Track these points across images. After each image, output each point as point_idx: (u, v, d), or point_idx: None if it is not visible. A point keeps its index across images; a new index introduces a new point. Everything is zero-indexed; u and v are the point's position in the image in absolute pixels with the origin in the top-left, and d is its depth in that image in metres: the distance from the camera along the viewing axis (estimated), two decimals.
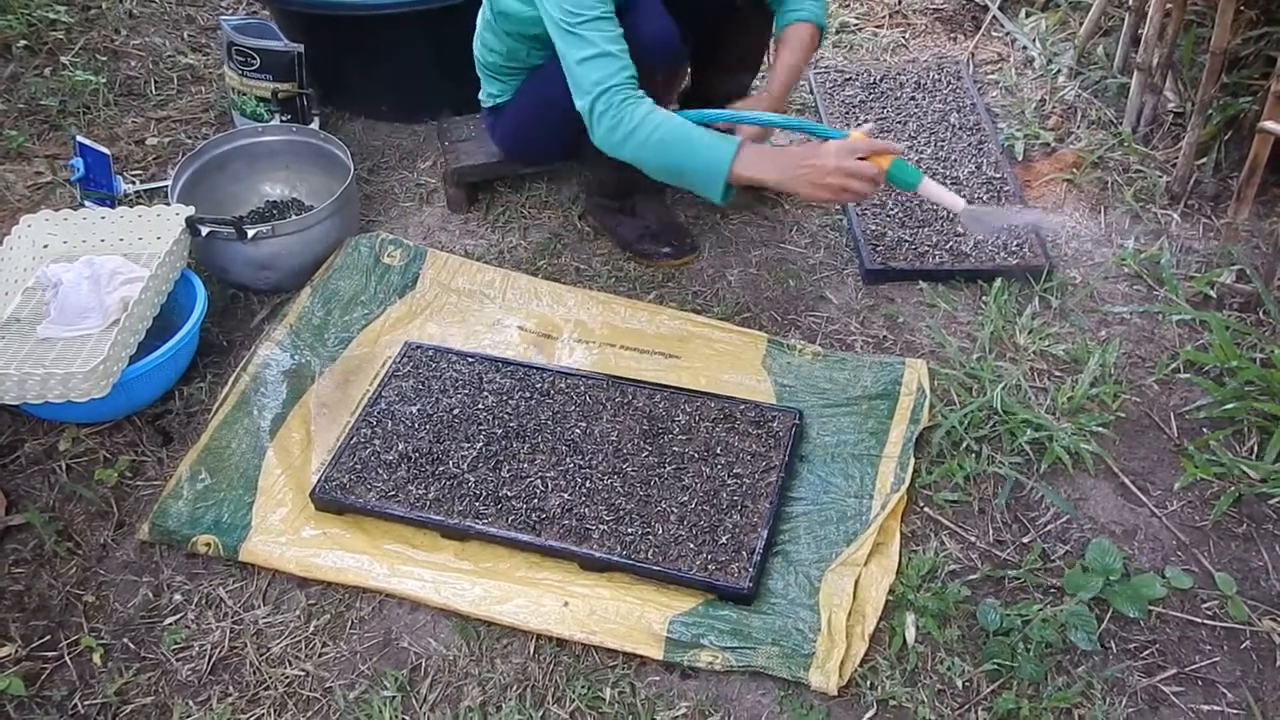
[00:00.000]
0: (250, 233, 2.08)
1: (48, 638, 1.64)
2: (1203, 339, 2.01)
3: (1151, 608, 1.60)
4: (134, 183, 2.50)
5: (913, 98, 2.66)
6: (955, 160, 2.45)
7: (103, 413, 1.90)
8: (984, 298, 2.12)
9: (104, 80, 2.87)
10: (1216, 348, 1.92)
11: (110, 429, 1.94)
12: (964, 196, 2.12)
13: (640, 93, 1.81)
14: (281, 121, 2.49)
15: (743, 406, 1.85)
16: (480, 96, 2.24)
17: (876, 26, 3.02)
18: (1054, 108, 2.66)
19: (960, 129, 2.55)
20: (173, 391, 2.00)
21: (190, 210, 2.08)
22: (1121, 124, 2.55)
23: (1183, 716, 1.48)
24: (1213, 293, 2.10)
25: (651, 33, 1.88)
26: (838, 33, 2.99)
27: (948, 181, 2.38)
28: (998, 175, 2.40)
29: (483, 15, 2.12)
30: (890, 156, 1.77)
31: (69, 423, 1.93)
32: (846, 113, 2.62)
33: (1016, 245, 2.21)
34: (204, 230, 2.07)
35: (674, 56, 1.96)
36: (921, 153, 2.48)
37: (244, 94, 2.53)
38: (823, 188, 1.76)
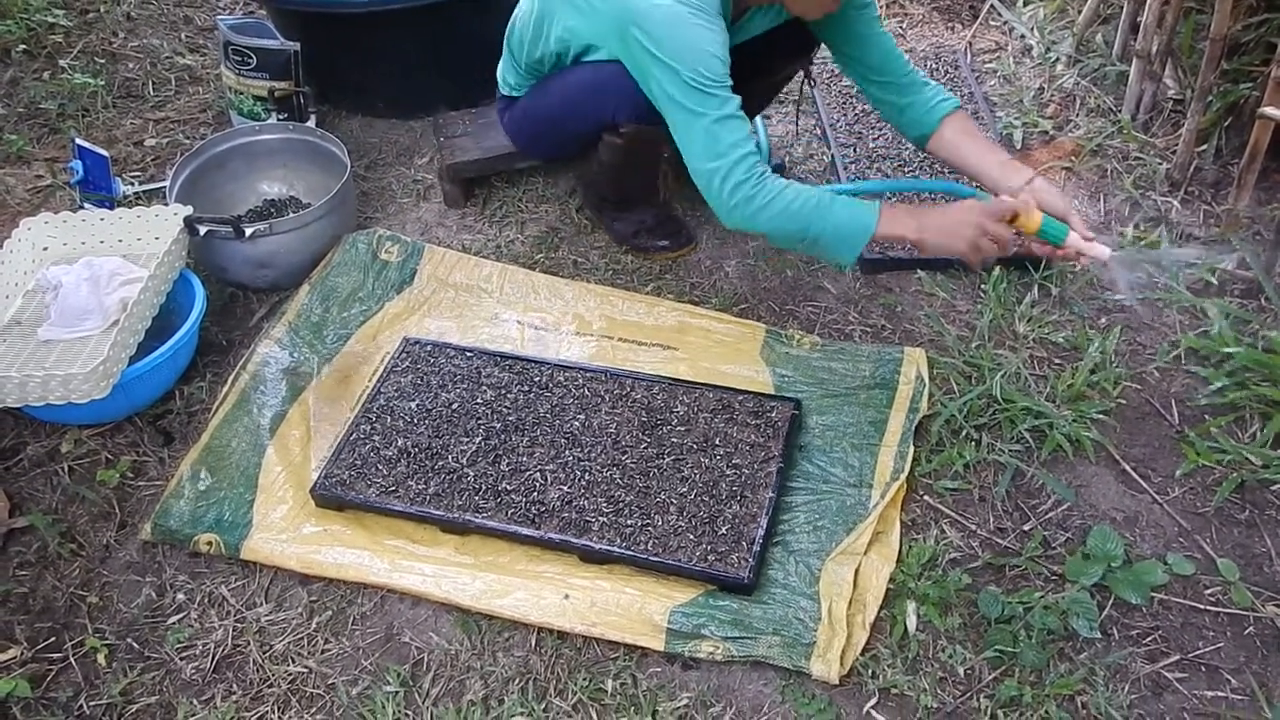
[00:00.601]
0: (248, 231, 2.08)
1: (52, 639, 1.65)
2: (1203, 326, 2.00)
3: (1154, 594, 1.59)
4: (133, 184, 2.50)
5: None
6: None
7: (104, 414, 1.91)
8: (982, 286, 2.12)
9: (102, 83, 2.88)
10: (1217, 334, 1.91)
11: (112, 430, 1.94)
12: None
13: (764, 169, 1.76)
14: (278, 120, 2.49)
15: (741, 397, 1.85)
16: (499, 78, 2.17)
17: None
18: (1052, 96, 2.65)
19: None
20: (173, 391, 2.00)
21: (188, 210, 2.08)
22: (1121, 111, 2.54)
23: (1186, 703, 1.48)
24: (1213, 279, 2.09)
25: None
26: None
27: (946, 173, 2.38)
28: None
29: (531, 9, 1.98)
30: (1039, 215, 1.78)
31: (71, 424, 1.93)
32: (844, 102, 2.62)
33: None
34: (202, 230, 2.07)
35: None
36: None
37: (241, 93, 2.54)
38: (960, 240, 1.78)
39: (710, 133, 1.72)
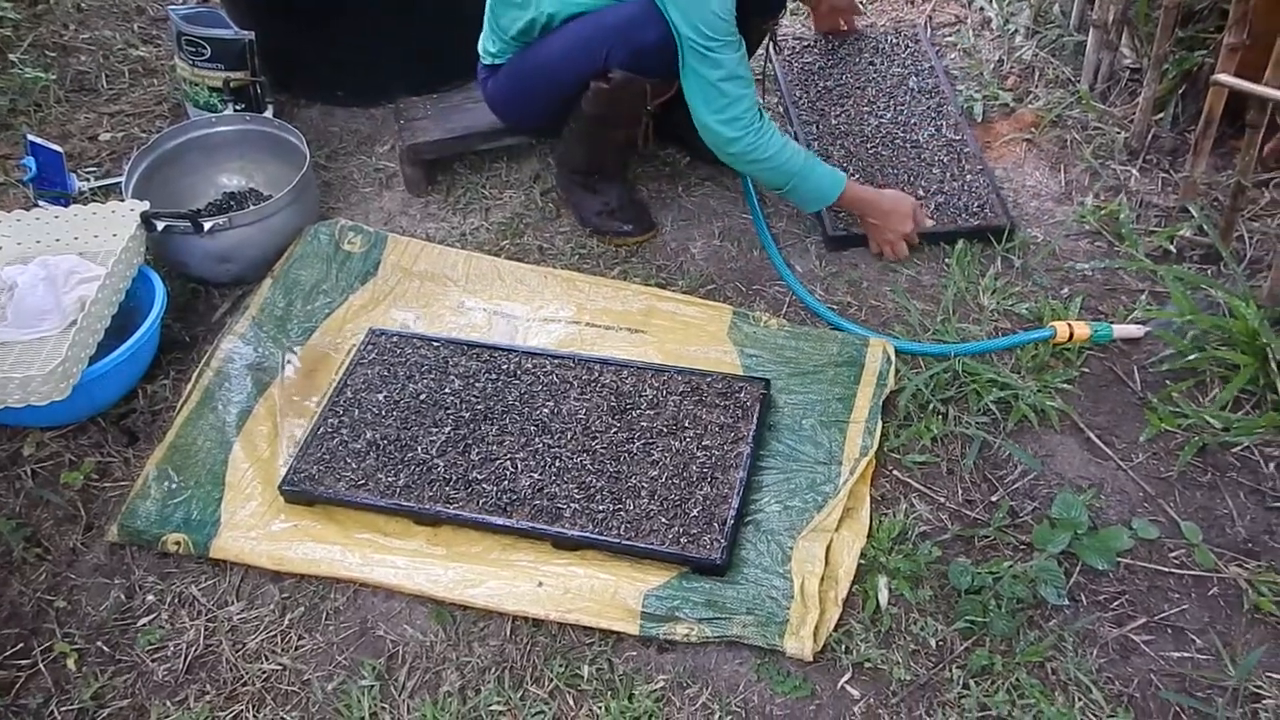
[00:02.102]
0: (207, 225, 2.05)
1: (20, 646, 1.63)
2: (1163, 291, 2.02)
3: (1120, 559, 1.62)
4: (88, 180, 2.46)
5: (871, 63, 2.65)
6: (915, 124, 2.44)
7: (65, 415, 1.88)
8: (946, 260, 2.13)
9: (54, 77, 2.82)
10: (1175, 301, 1.93)
11: (74, 431, 1.91)
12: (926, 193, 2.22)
13: (765, 119, 1.98)
14: (235, 111, 2.45)
15: (709, 379, 1.85)
16: (480, 49, 2.18)
17: None
18: (1012, 68, 2.66)
19: (919, 92, 2.54)
20: (136, 390, 1.98)
21: (145, 205, 2.05)
22: (1079, 82, 2.55)
23: (1153, 664, 1.50)
24: (1172, 247, 2.12)
25: (661, 44, 1.89)
26: None
27: (907, 145, 2.38)
28: (957, 137, 2.40)
29: None
30: (1086, 330, 1.94)
31: (32, 427, 1.91)
32: (806, 80, 2.61)
33: (978, 206, 2.21)
34: (160, 225, 2.04)
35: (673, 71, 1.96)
36: (881, 117, 2.47)
37: (196, 84, 2.50)
38: (898, 220, 2.10)
39: (718, 89, 1.90)
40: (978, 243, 2.15)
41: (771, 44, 2.41)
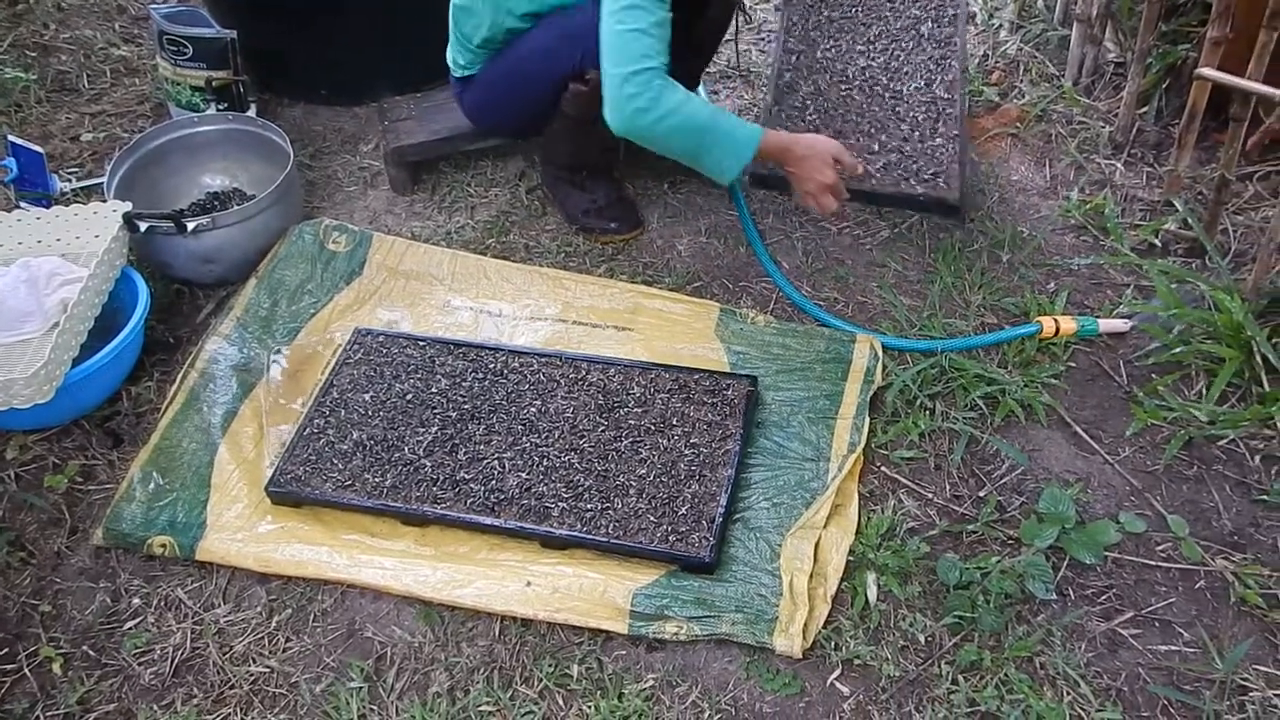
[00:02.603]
0: (190, 225, 2.04)
1: (5, 650, 1.61)
2: (1148, 285, 2.03)
3: (1107, 553, 1.62)
4: (70, 180, 2.44)
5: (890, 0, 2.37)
6: (907, 73, 2.22)
7: (48, 418, 1.87)
8: (932, 255, 2.13)
9: (34, 77, 2.80)
10: (1160, 295, 1.94)
11: (58, 434, 1.90)
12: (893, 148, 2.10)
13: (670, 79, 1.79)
14: (218, 110, 2.44)
15: (697, 376, 1.85)
16: (449, 62, 2.19)
17: None
18: (997, 62, 2.67)
19: (928, 40, 2.28)
20: (120, 392, 1.96)
21: (127, 206, 2.04)
22: (1063, 77, 2.56)
23: (1141, 658, 1.51)
24: (1157, 241, 2.12)
25: None
26: None
27: (886, 95, 2.21)
28: (946, 96, 2.17)
29: None
30: (1073, 324, 1.93)
31: (14, 430, 1.89)
32: (810, 4, 2.37)
33: (931, 174, 2.06)
34: (143, 225, 2.03)
35: None
36: (873, 60, 2.26)
37: (178, 84, 2.48)
38: (814, 165, 1.87)
39: (618, 42, 1.76)
40: (925, 221, 2.13)
41: (740, 13, 2.33)
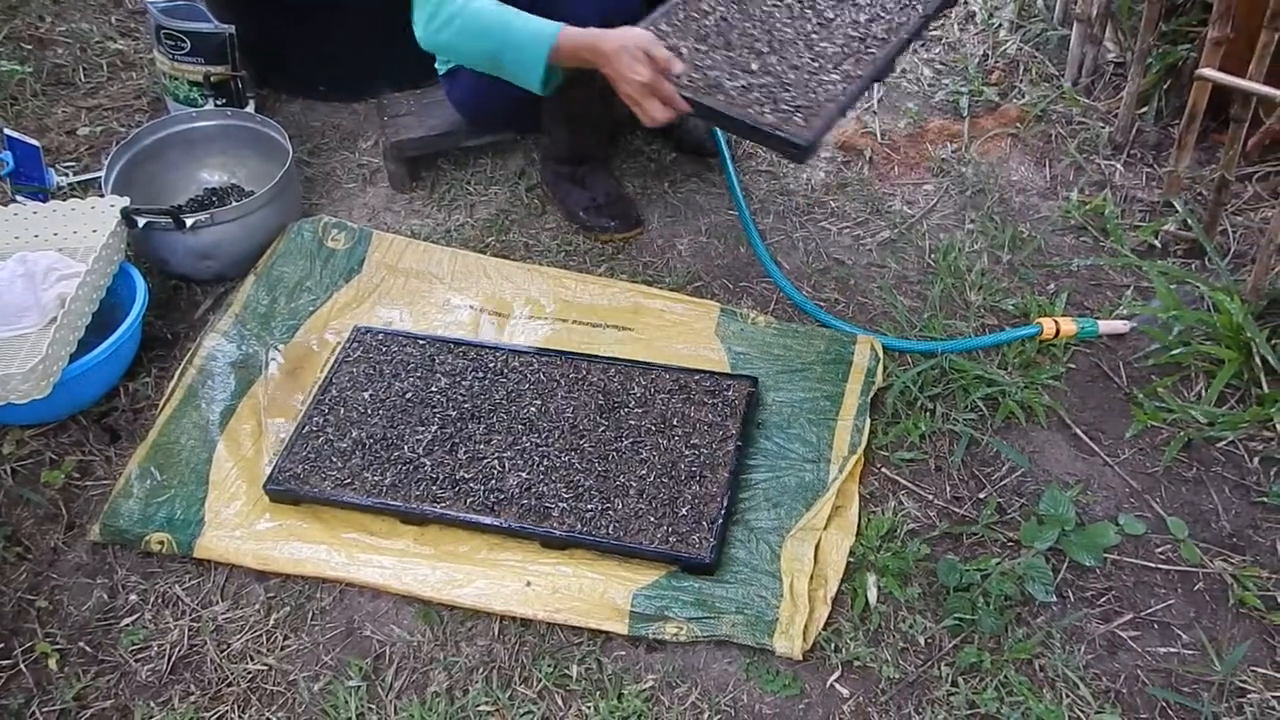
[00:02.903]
0: (189, 221, 2.03)
1: (1, 646, 1.61)
2: (1148, 286, 2.03)
3: (1106, 555, 1.62)
4: (67, 175, 2.43)
5: None
6: (858, 3, 1.93)
7: (45, 413, 1.86)
8: (932, 255, 2.13)
9: (30, 70, 2.78)
10: (1160, 296, 1.94)
11: (55, 429, 1.89)
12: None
13: None
14: (216, 106, 2.43)
15: (697, 376, 1.84)
16: (436, 64, 2.19)
17: None
18: (996, 62, 2.67)
19: None
20: (117, 388, 1.95)
21: (125, 201, 2.03)
22: (1063, 77, 2.56)
23: (1140, 660, 1.51)
24: (1157, 241, 2.12)
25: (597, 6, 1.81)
26: None
27: (811, 18, 1.89)
28: (881, 37, 1.85)
29: None
30: (1073, 325, 1.92)
31: (11, 425, 1.88)
32: None
33: (791, 108, 1.68)
34: (141, 221, 2.02)
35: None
36: None
37: (176, 79, 2.47)
38: (625, 61, 1.65)
39: None
40: (925, 222, 2.12)
41: None
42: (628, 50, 1.63)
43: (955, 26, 2.79)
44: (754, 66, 1.75)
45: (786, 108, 1.68)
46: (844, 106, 1.71)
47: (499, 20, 1.71)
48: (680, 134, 2.38)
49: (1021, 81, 2.59)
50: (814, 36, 1.85)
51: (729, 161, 2.29)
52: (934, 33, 2.80)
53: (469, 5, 1.72)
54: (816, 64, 1.78)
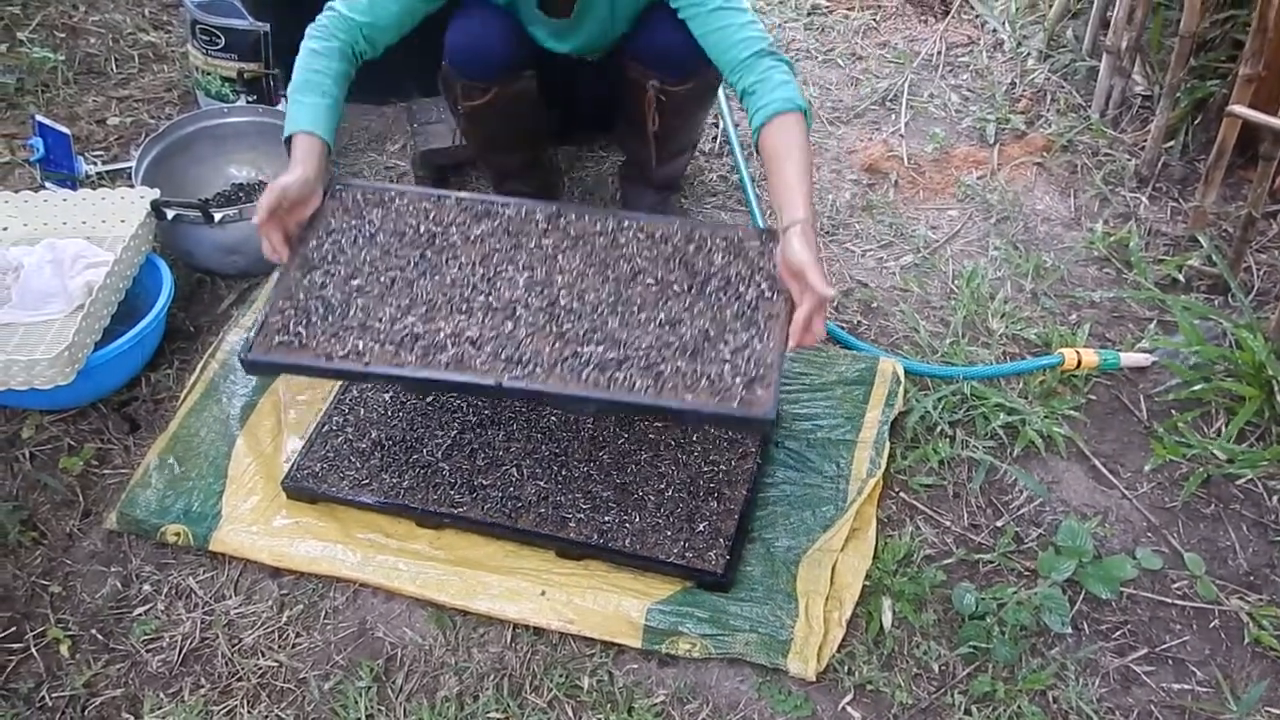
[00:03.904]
0: (217, 216, 2.04)
1: (13, 629, 1.61)
2: (1171, 321, 2.03)
3: (1123, 589, 1.62)
4: (95, 164, 2.44)
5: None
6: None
7: (67, 400, 1.87)
8: (955, 282, 2.13)
9: (62, 58, 2.80)
10: (1183, 331, 1.94)
11: (75, 416, 1.90)
12: None
13: (333, 39, 1.74)
14: (247, 102, 2.44)
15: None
16: None
17: (848, 9, 3.01)
18: (1024, 91, 2.67)
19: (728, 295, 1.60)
20: (139, 378, 1.96)
21: (155, 193, 2.04)
22: (1090, 108, 2.56)
23: (1154, 696, 1.50)
24: (1181, 276, 2.12)
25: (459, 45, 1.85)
26: (809, 15, 2.98)
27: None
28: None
29: None
30: (1096, 356, 1.91)
31: (32, 410, 1.89)
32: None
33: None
34: (169, 214, 2.03)
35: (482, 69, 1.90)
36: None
37: (208, 73, 2.48)
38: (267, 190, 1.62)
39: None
40: (949, 247, 2.13)
41: None
42: (271, 187, 1.59)
43: (984, 54, 2.80)
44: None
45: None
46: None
47: (297, 81, 1.72)
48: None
49: (1049, 111, 2.59)
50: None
51: (747, 181, 2.30)
52: (962, 59, 2.80)
53: (307, 45, 1.74)
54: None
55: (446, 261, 1.60)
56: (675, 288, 1.56)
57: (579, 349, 1.47)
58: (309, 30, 1.75)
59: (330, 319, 1.53)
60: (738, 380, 1.43)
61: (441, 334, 1.50)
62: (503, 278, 1.57)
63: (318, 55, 1.71)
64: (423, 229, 1.66)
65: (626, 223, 1.66)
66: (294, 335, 1.51)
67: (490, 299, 1.54)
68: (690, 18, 1.71)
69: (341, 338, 1.51)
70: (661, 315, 1.52)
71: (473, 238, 1.64)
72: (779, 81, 1.62)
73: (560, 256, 1.60)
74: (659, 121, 1.98)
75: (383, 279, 1.58)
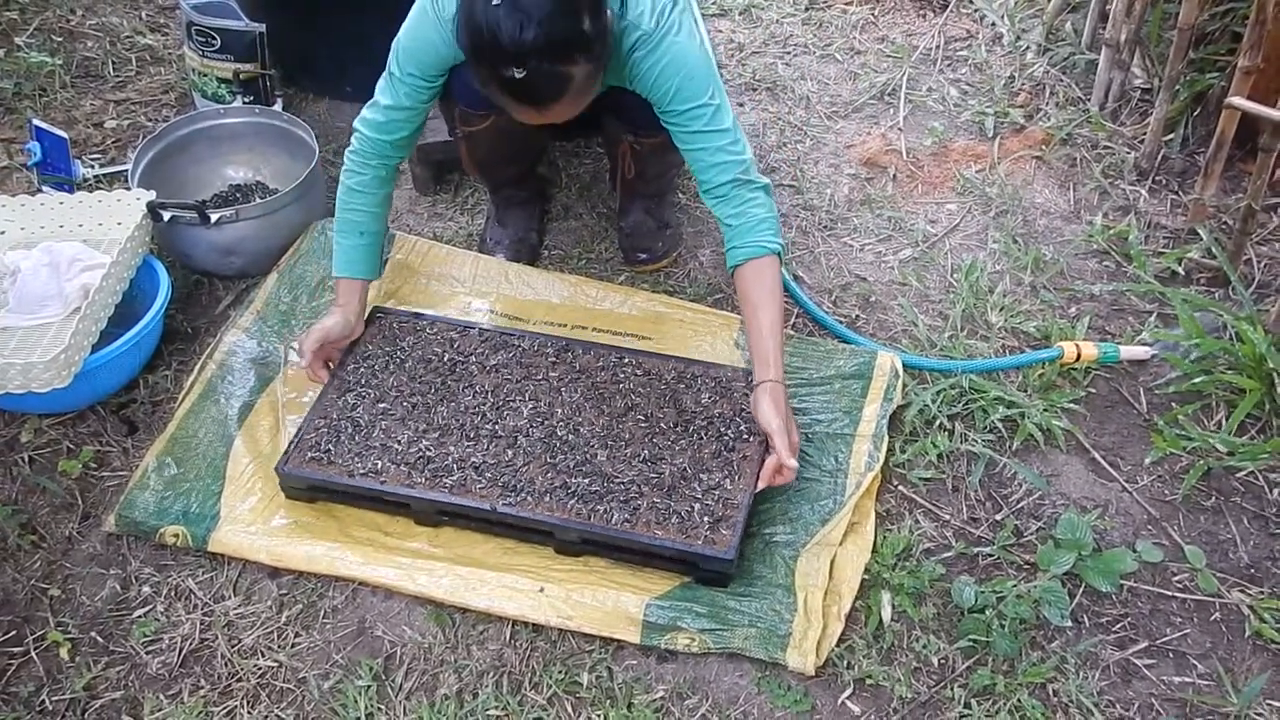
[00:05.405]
0: (214, 217, 2.04)
1: (13, 633, 1.61)
2: (1171, 313, 2.02)
3: (1123, 582, 1.61)
4: (93, 167, 2.44)
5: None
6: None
7: (65, 403, 1.87)
8: (954, 275, 2.13)
9: (60, 62, 2.80)
10: (1183, 324, 1.93)
11: (73, 419, 1.90)
12: None
13: (366, 169, 1.84)
14: (244, 103, 2.44)
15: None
16: None
17: (846, 3, 3.01)
18: (1023, 84, 2.66)
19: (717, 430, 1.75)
20: (137, 380, 1.96)
21: (151, 195, 2.04)
22: (1089, 101, 2.55)
23: (1154, 689, 1.50)
24: (1180, 269, 2.12)
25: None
26: (807, 9, 2.97)
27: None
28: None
29: None
30: (1094, 350, 1.92)
31: (30, 413, 1.89)
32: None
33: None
34: (166, 215, 2.03)
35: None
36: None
37: (205, 75, 2.48)
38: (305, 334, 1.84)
39: (371, 105, 1.85)
40: (948, 240, 2.13)
41: None
42: (315, 328, 1.81)
43: (983, 48, 2.79)
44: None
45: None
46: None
47: (339, 221, 1.85)
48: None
49: (1048, 104, 2.58)
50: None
51: None
52: (960, 53, 2.80)
53: (345, 182, 1.85)
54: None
55: (463, 389, 1.81)
56: (662, 424, 1.74)
57: (568, 480, 1.66)
58: (346, 160, 1.86)
59: (357, 438, 1.74)
60: (705, 520, 1.60)
61: (450, 458, 1.70)
62: (510, 407, 1.78)
63: (355, 194, 1.85)
64: (446, 357, 1.87)
65: (627, 359, 1.86)
66: (323, 452, 1.72)
67: (496, 427, 1.75)
68: (672, 129, 1.72)
69: (364, 456, 1.71)
70: (645, 451, 1.70)
71: (489, 367, 1.86)
72: (757, 220, 1.68)
73: (563, 390, 1.81)
74: (634, 169, 2.06)
75: (405, 404, 1.79)
